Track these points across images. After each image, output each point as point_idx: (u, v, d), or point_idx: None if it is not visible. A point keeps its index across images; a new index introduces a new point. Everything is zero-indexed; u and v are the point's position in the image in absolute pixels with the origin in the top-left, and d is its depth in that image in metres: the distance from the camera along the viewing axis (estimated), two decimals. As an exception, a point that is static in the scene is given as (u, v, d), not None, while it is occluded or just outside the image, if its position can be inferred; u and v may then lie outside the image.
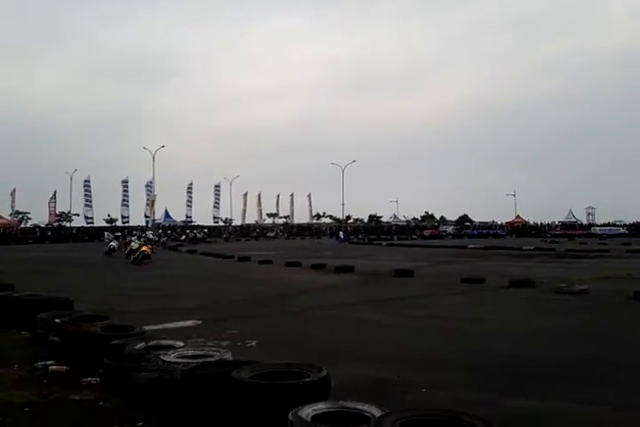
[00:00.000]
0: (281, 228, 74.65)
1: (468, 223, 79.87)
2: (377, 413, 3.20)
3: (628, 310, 10.01)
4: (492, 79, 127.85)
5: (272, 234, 65.82)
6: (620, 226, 67.18)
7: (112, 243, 28.88)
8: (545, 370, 5.87)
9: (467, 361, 6.24)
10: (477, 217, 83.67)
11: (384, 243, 45.15)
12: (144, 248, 23.76)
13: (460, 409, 3.22)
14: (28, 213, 68.40)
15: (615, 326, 8.57)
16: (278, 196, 78.41)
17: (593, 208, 76.98)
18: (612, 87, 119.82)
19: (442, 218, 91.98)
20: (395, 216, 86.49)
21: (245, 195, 75.33)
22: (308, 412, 3.22)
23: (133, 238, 28.48)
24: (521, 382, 5.41)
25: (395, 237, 57.96)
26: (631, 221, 69.90)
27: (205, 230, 60.84)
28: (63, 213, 67.40)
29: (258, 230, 69.01)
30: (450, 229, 72.10)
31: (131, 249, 24.66)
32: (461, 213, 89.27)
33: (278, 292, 12.86)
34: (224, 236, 60.35)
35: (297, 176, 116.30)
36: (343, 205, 74.65)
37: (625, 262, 21.38)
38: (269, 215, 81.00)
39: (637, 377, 5.58)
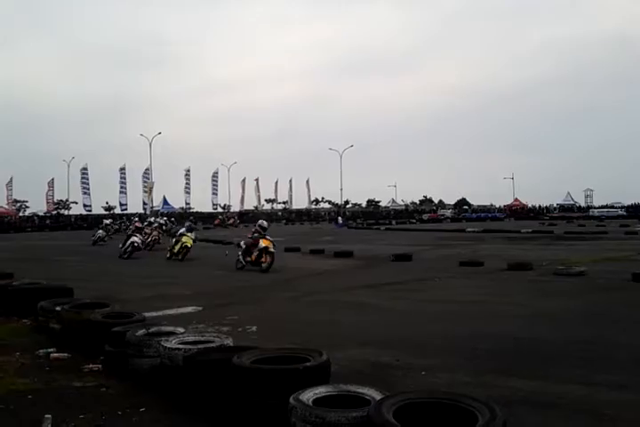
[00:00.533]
0: (235, 215, 66.10)
1: (466, 207, 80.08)
2: (377, 396, 3.23)
3: (626, 291, 10.05)
4: (490, 61, 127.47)
5: (230, 221, 56.71)
6: (619, 208, 67.32)
7: (134, 238, 19.05)
8: (546, 352, 5.90)
9: (467, 344, 6.27)
10: (476, 201, 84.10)
11: (382, 227, 45.21)
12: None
13: (460, 392, 3.25)
14: (26, 201, 68.40)
15: (614, 307, 8.59)
16: (277, 181, 78.41)
17: (591, 190, 77.21)
18: (609, 68, 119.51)
19: (440, 202, 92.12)
20: (393, 200, 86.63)
21: (243, 181, 75.26)
22: (309, 396, 3.25)
23: (182, 230, 19.00)
24: (522, 365, 5.44)
25: (393, 222, 58.08)
26: (629, 203, 70.02)
27: (172, 219, 41.70)
28: (61, 201, 67.34)
29: (221, 217, 60.71)
30: (448, 212, 72.23)
31: (185, 247, 17.65)
32: (460, 197, 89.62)
33: (277, 277, 12.89)
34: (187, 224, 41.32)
35: (295, 161, 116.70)
36: (341, 189, 74.81)
37: (623, 244, 21.43)
38: (268, 201, 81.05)
39: (636, 358, 5.62)
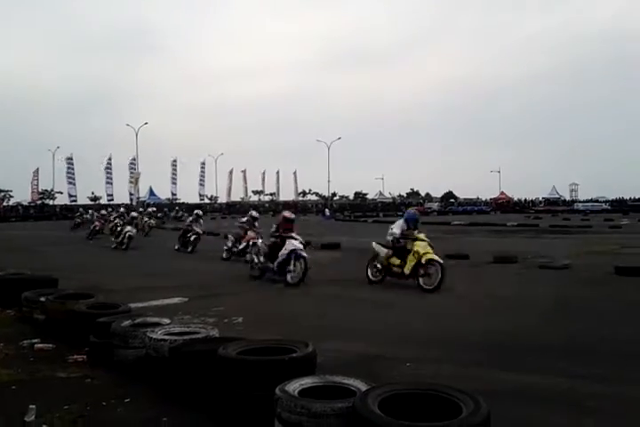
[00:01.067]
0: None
1: (452, 200, 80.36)
2: (362, 387, 3.24)
3: (609, 284, 10.14)
4: (478, 56, 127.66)
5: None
6: (603, 202, 68.03)
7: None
8: (530, 345, 5.95)
9: (453, 337, 6.32)
10: (462, 194, 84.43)
11: (370, 220, 45.26)
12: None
13: (446, 383, 3.27)
14: (11, 191, 67.69)
15: (598, 300, 8.66)
16: (264, 173, 78.16)
17: (576, 184, 77.98)
18: (596, 64, 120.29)
19: (427, 195, 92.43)
20: (380, 193, 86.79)
21: (231, 172, 74.96)
22: (294, 387, 3.25)
23: (400, 226, 10.52)
24: (507, 358, 5.48)
25: (380, 214, 58.15)
26: (614, 197, 70.72)
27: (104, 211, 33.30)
28: (46, 190, 66.79)
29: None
30: (435, 205, 72.47)
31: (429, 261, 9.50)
32: (446, 190, 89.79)
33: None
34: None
35: (283, 153, 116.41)
36: (329, 181, 74.74)
37: (607, 238, 21.64)
38: (255, 192, 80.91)
39: (619, 350, 5.67)
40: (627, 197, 70.86)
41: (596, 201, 69.22)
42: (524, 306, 8.18)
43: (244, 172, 76.37)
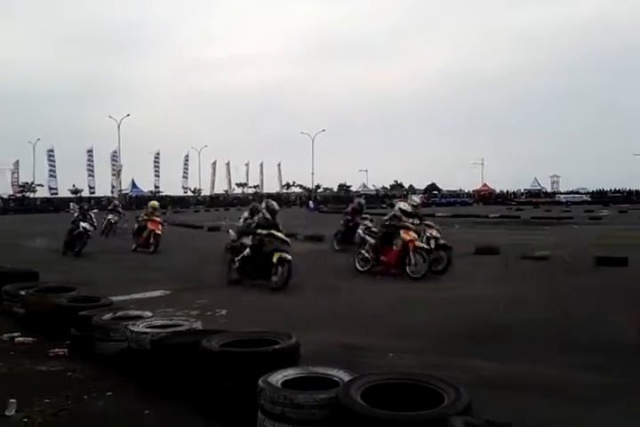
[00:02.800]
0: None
1: (435, 192, 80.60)
2: (346, 377, 3.25)
3: (589, 274, 10.24)
4: (461, 48, 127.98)
5: None
6: (584, 193, 68.59)
7: None
8: (514, 334, 6.01)
9: (435, 327, 6.36)
10: (445, 186, 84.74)
11: (353, 212, 45.25)
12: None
13: (428, 373, 3.29)
14: (-10, 183, 66.59)
15: (579, 289, 8.70)
16: (247, 165, 77.74)
17: (557, 176, 78.53)
18: (579, 56, 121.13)
19: (410, 187, 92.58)
20: (364, 185, 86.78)
21: (214, 164, 74.48)
22: (278, 378, 3.25)
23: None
24: (491, 347, 5.52)
25: (364, 206, 58.16)
26: (594, 189, 71.46)
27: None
28: (26, 183, 65.81)
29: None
30: (418, 197, 72.61)
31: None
32: (429, 182, 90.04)
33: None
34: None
35: (266, 145, 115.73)
36: (313, 174, 74.60)
37: (587, 229, 21.90)
38: (239, 185, 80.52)
39: (603, 340, 5.73)
40: (607, 188, 71.69)
41: (577, 193, 69.74)
42: (506, 296, 8.17)
43: (227, 164, 75.94)
